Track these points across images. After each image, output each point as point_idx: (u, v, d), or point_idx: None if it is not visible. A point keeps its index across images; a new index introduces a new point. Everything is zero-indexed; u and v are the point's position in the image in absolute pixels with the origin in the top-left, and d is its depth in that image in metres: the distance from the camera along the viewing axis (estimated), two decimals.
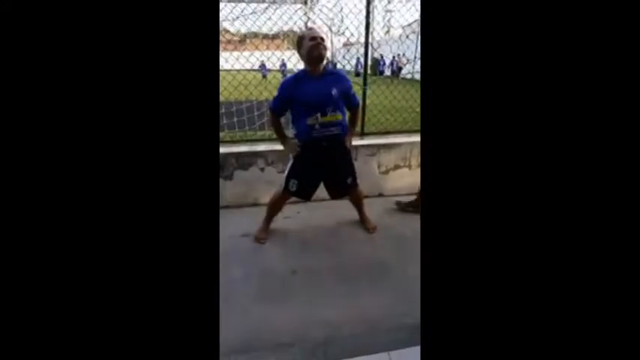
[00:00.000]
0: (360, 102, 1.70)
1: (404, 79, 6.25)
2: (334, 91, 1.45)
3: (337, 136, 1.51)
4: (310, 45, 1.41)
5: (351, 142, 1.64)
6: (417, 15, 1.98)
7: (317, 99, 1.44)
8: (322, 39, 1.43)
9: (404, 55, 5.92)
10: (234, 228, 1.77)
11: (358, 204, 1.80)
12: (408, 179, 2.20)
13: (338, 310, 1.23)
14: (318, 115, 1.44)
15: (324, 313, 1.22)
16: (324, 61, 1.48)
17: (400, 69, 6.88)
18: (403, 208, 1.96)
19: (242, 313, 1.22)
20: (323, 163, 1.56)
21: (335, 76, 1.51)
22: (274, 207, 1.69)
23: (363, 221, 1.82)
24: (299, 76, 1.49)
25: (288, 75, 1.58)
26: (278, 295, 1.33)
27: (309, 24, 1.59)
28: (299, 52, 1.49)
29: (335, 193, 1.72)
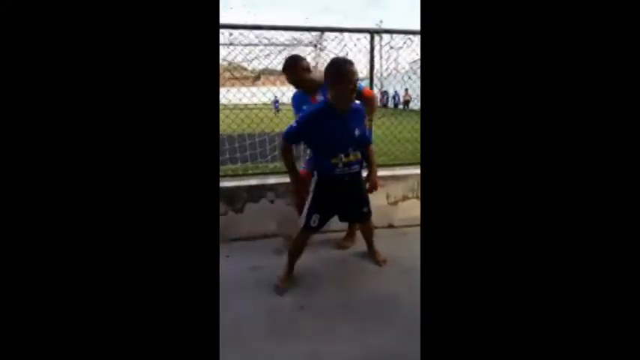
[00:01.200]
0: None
1: (412, 110, 6.62)
2: (357, 132, 1.47)
3: (357, 173, 1.55)
4: (351, 89, 1.37)
5: (376, 179, 1.62)
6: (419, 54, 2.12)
7: (341, 142, 1.45)
8: None
9: (406, 90, 6.50)
10: (243, 261, 1.78)
11: (368, 236, 1.79)
12: (416, 210, 2.19)
13: (345, 348, 1.20)
14: (342, 155, 1.47)
15: (332, 351, 1.18)
16: None
17: (408, 102, 7.36)
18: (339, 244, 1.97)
19: (247, 352, 1.20)
20: (343, 196, 1.57)
21: (356, 112, 1.50)
22: (297, 250, 1.61)
23: (372, 254, 1.80)
24: (324, 111, 1.43)
25: (311, 107, 1.51)
26: (284, 331, 1.31)
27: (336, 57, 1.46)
28: (333, 84, 1.36)
29: (348, 220, 1.74)
